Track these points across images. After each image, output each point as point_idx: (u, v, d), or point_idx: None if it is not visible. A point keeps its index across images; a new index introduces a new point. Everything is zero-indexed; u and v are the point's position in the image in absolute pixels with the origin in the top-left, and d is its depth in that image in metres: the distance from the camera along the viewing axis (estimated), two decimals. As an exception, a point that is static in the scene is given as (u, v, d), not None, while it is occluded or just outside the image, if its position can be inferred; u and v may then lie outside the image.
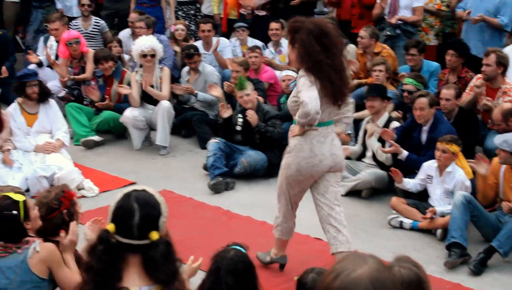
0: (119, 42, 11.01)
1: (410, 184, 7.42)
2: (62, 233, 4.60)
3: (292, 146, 5.78)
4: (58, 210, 4.73)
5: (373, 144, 8.11)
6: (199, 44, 10.86)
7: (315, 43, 5.46)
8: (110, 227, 3.00)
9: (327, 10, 12.14)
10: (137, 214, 3.00)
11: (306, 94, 5.41)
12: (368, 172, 7.97)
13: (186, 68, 10.19)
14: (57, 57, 10.65)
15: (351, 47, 9.86)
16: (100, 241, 3.00)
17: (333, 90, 5.54)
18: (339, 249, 5.84)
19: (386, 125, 8.06)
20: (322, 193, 5.89)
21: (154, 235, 3.00)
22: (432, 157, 7.33)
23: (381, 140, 7.99)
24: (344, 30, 9.80)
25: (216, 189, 8.05)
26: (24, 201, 4.46)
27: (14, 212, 4.39)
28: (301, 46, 5.53)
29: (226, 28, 12.16)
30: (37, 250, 4.35)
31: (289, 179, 5.87)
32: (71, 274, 4.46)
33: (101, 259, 2.97)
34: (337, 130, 5.89)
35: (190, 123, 9.79)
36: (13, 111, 8.56)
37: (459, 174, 7.09)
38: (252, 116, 8.39)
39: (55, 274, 4.42)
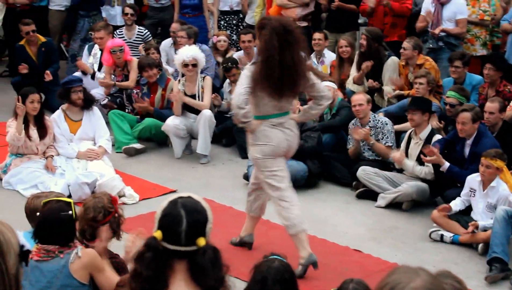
0: (157, 49, 11.09)
1: (458, 206, 7.30)
2: (97, 242, 4.66)
3: (249, 141, 6.36)
4: (111, 214, 4.78)
5: (408, 165, 8.03)
6: (240, 54, 10.90)
7: (275, 39, 5.95)
8: (158, 234, 3.00)
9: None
10: (184, 220, 3.00)
11: (236, 90, 6.17)
12: (409, 184, 7.91)
13: (228, 80, 10.26)
14: (101, 65, 10.77)
15: (392, 59, 9.83)
16: (147, 248, 3.00)
17: (277, 86, 6.04)
18: (251, 213, 6.77)
19: (429, 138, 7.99)
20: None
21: (202, 241, 3.00)
22: (474, 171, 7.24)
23: (423, 154, 7.92)
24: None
25: (256, 198, 8.05)
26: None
27: (70, 212, 4.46)
28: (262, 42, 6.07)
29: (268, 39, 12.17)
30: (79, 255, 4.39)
31: (261, 166, 6.29)
32: (113, 278, 4.50)
33: (149, 266, 2.97)
34: (293, 117, 6.44)
35: (231, 132, 9.82)
36: (57, 118, 8.67)
37: (503, 188, 6.99)
38: None
39: (96, 279, 4.46)
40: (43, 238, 4.42)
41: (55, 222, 4.40)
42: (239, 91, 6.07)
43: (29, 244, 4.47)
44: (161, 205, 3.10)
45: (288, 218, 6.25)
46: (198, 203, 3.10)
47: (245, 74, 6.13)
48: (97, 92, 10.36)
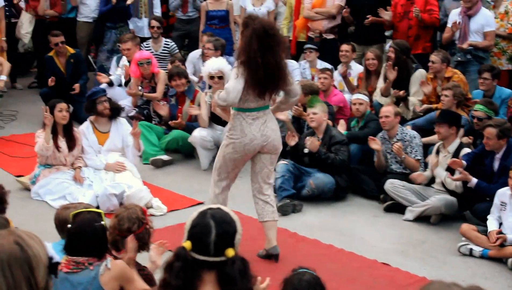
0: (182, 61, 11.11)
1: (494, 225, 7.17)
2: (123, 253, 4.67)
3: (227, 129, 6.77)
4: (143, 225, 4.79)
5: (441, 173, 8.00)
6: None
7: (255, 42, 6.22)
8: (187, 244, 3.02)
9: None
10: (214, 231, 3.02)
11: (231, 83, 6.37)
12: (437, 198, 7.86)
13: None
14: (128, 77, 10.84)
15: (420, 72, 9.79)
16: (177, 258, 3.03)
17: (259, 85, 6.34)
18: (265, 218, 6.77)
19: (457, 151, 7.95)
20: (257, 172, 6.81)
21: (230, 252, 3.02)
22: (504, 184, 7.19)
23: (451, 168, 7.88)
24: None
25: (283, 211, 8.03)
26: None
27: (102, 222, 4.47)
28: (243, 42, 6.38)
29: (295, 51, 12.20)
30: (109, 267, 4.38)
31: (225, 157, 6.72)
32: (143, 289, 4.50)
33: (178, 276, 2.99)
34: (279, 116, 7.03)
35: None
36: (85, 130, 8.72)
37: (533, 202, 6.94)
38: (311, 143, 8.42)
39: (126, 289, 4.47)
40: (74, 250, 4.42)
41: (89, 233, 4.39)
42: (236, 87, 6.33)
43: (58, 256, 4.49)
44: (191, 216, 3.13)
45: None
46: (227, 214, 3.13)
47: (236, 72, 6.37)
48: (125, 103, 10.41)
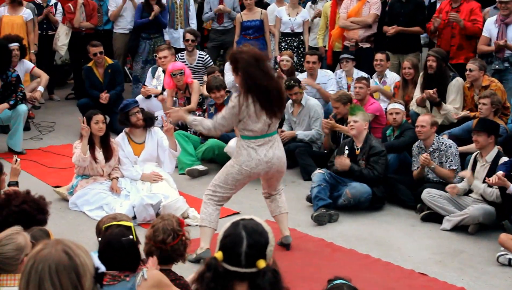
0: (221, 71, 11.16)
1: None
2: (150, 262, 4.68)
3: (235, 152, 6.87)
4: (179, 237, 4.80)
5: (479, 186, 7.90)
6: (304, 76, 10.92)
7: (255, 70, 6.41)
8: (218, 255, 3.02)
9: (434, 41, 11.97)
10: (245, 241, 3.01)
11: (220, 114, 6.76)
12: (475, 207, 7.78)
13: (290, 101, 10.22)
14: (163, 87, 10.91)
15: (457, 80, 9.70)
16: (208, 268, 3.03)
17: (267, 108, 6.55)
18: (274, 213, 7.27)
19: (496, 160, 7.85)
20: (267, 185, 7.20)
21: (262, 263, 3.00)
22: (544, 192, 7.11)
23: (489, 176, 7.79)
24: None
25: (319, 220, 8.01)
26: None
27: (131, 237, 4.49)
28: (242, 73, 6.47)
29: (331, 60, 12.19)
30: (145, 277, 4.37)
31: (228, 177, 6.82)
32: None
33: (209, 286, 3.00)
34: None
35: (293, 154, 9.80)
36: (121, 141, 8.78)
37: None
38: (340, 163, 8.46)
39: None
40: (106, 263, 4.45)
41: (115, 247, 4.44)
42: (224, 116, 6.68)
43: (104, 267, 4.52)
44: (224, 226, 3.13)
45: (202, 212, 6.95)
46: (259, 225, 3.12)
47: (232, 103, 6.59)
48: (161, 114, 10.47)
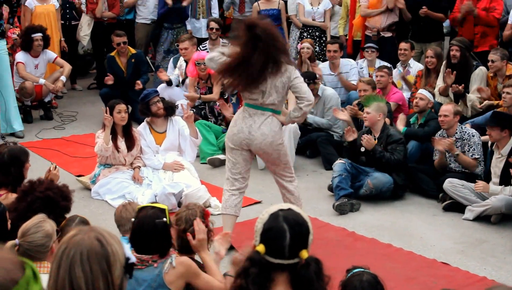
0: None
1: None
2: (189, 236, 4.67)
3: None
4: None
5: (496, 191, 7.83)
6: (325, 65, 10.90)
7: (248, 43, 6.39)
8: (261, 248, 3.02)
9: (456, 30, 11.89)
10: (288, 234, 3.02)
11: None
12: (498, 198, 7.73)
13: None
14: (185, 76, 10.92)
15: (481, 69, 9.64)
16: (252, 263, 3.03)
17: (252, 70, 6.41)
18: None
19: (511, 153, 7.80)
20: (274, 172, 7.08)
21: (305, 254, 3.02)
22: None
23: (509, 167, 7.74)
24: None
25: (341, 210, 8.01)
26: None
27: (165, 219, 4.46)
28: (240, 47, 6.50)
29: (351, 50, 12.16)
30: (174, 265, 4.37)
31: (227, 154, 6.96)
32: (211, 281, 4.50)
33: (255, 281, 2.99)
34: (280, 119, 6.69)
35: (315, 143, 9.80)
36: (142, 131, 8.81)
37: None
38: (367, 141, 8.36)
39: (194, 285, 4.46)
40: (137, 245, 4.43)
41: (149, 229, 4.38)
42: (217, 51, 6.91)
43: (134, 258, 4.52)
44: (262, 218, 3.11)
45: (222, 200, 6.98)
46: (299, 215, 3.12)
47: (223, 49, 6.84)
48: (183, 103, 10.48)
